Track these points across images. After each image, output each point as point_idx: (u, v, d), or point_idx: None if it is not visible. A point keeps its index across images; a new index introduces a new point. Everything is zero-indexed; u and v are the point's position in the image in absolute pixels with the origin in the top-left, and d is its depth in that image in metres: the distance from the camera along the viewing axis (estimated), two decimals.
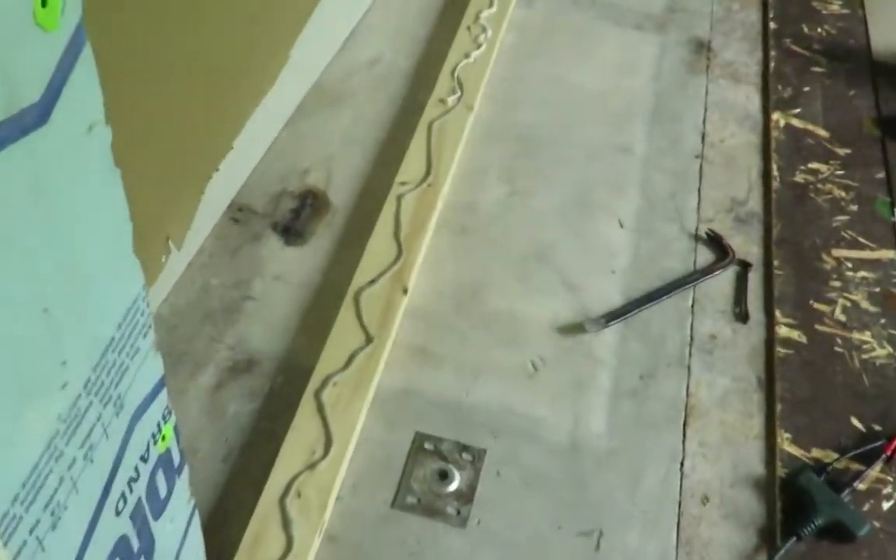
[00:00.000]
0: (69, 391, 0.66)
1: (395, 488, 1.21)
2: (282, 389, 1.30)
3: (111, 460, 0.75)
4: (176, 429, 0.88)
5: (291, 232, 1.52)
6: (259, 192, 1.58)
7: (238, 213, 1.53)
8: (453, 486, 1.21)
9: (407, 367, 1.34)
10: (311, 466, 1.18)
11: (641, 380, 1.37)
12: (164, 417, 0.85)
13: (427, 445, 1.25)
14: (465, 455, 1.25)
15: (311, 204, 1.57)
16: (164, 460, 0.86)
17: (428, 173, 1.60)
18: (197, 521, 0.97)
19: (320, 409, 1.24)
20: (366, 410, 1.27)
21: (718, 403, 1.35)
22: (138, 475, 0.81)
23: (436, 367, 1.35)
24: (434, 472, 1.22)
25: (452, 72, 1.80)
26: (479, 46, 1.87)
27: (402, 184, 1.57)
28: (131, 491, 0.80)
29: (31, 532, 0.64)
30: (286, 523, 1.12)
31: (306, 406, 1.24)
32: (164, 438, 0.85)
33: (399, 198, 1.54)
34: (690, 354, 1.41)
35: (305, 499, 1.14)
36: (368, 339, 1.33)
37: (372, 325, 1.35)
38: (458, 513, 1.19)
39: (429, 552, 1.15)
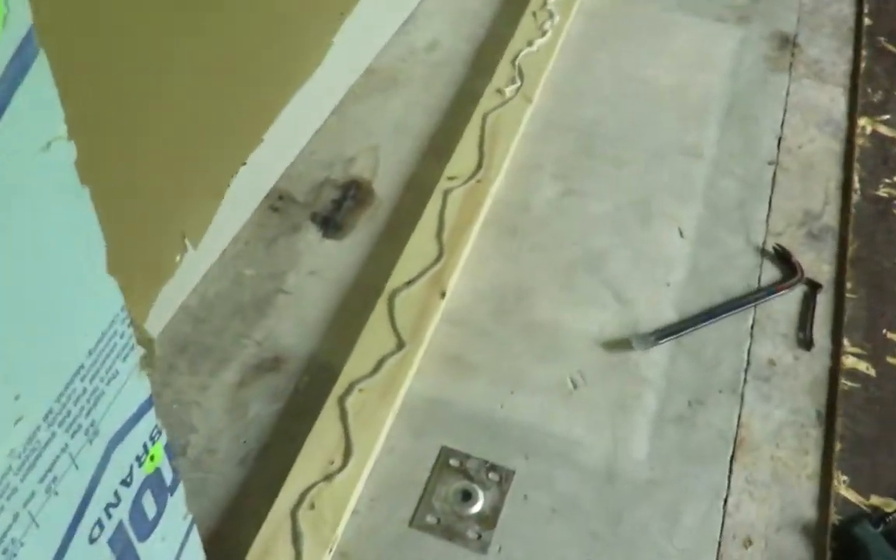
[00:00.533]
0: (24, 425, 0.62)
1: (415, 505, 1.15)
2: (307, 391, 1.26)
3: (82, 490, 0.71)
4: (168, 448, 0.84)
5: (331, 224, 1.47)
6: (302, 180, 1.53)
7: (278, 201, 1.48)
8: (476, 508, 1.15)
9: (439, 376, 1.29)
10: (328, 477, 1.13)
11: (689, 405, 1.29)
12: (151, 438, 0.80)
13: (453, 461, 1.20)
14: (491, 475, 1.18)
15: (353, 195, 1.51)
16: (153, 481, 0.82)
17: (479, 168, 1.53)
18: (195, 535, 0.94)
19: (343, 416, 1.19)
20: (391, 420, 1.21)
21: (771, 437, 1.26)
22: (119, 500, 0.77)
23: (469, 377, 1.29)
24: (457, 491, 1.17)
25: (513, 60, 1.73)
26: (543, 34, 1.78)
27: (451, 179, 1.51)
28: (109, 517, 0.76)
29: None
30: (296, 537, 1.07)
31: (329, 412, 1.19)
32: (152, 458, 0.81)
33: (446, 193, 1.48)
34: (745, 381, 1.32)
35: (319, 512, 1.10)
36: (400, 345, 1.27)
37: (405, 330, 1.29)
38: (479, 537, 1.13)
39: None
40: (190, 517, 0.92)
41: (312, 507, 1.10)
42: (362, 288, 1.39)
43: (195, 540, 0.94)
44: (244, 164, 1.22)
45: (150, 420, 0.80)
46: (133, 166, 1.01)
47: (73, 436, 0.68)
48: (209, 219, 1.17)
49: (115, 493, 0.76)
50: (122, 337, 0.72)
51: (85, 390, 0.68)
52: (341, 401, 1.20)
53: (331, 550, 1.08)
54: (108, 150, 0.92)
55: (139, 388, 0.76)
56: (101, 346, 0.69)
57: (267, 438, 1.21)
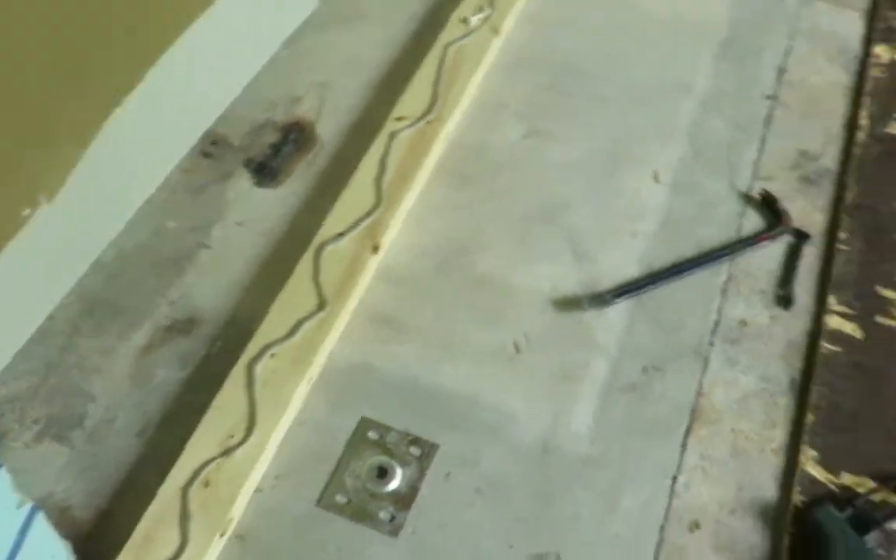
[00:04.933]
0: None
1: (325, 483, 1.09)
2: (219, 356, 1.20)
3: None
4: None
5: (266, 170, 1.40)
6: (240, 122, 1.46)
7: (211, 146, 1.42)
8: (392, 486, 1.09)
9: (366, 340, 1.22)
10: (227, 452, 1.07)
11: (644, 372, 1.20)
12: None
13: (371, 434, 1.13)
14: (413, 449, 1.12)
15: (294, 139, 1.44)
16: None
17: (431, 107, 1.44)
18: (41, 523, 0.89)
19: (250, 384, 1.13)
20: (305, 389, 1.15)
21: (735, 408, 1.17)
22: None
23: (400, 341, 1.22)
24: (373, 466, 1.10)
25: None
26: None
27: (399, 119, 1.42)
28: None
29: None
30: (184, 518, 1.02)
31: (234, 380, 1.14)
32: None
33: (391, 136, 1.39)
34: (711, 344, 1.22)
35: (213, 490, 1.05)
36: (321, 305, 1.21)
37: (328, 288, 1.22)
38: (392, 519, 1.07)
39: None
40: (28, 506, 0.87)
41: (207, 484, 1.05)
42: (294, 242, 1.31)
43: (42, 528, 0.89)
44: (118, 106, 1.13)
45: None
46: None
47: None
48: (69, 167, 1.07)
49: None
50: None
51: None
52: (250, 367, 1.14)
53: (223, 533, 1.03)
54: None
55: None
56: None
57: (170, 408, 1.15)
